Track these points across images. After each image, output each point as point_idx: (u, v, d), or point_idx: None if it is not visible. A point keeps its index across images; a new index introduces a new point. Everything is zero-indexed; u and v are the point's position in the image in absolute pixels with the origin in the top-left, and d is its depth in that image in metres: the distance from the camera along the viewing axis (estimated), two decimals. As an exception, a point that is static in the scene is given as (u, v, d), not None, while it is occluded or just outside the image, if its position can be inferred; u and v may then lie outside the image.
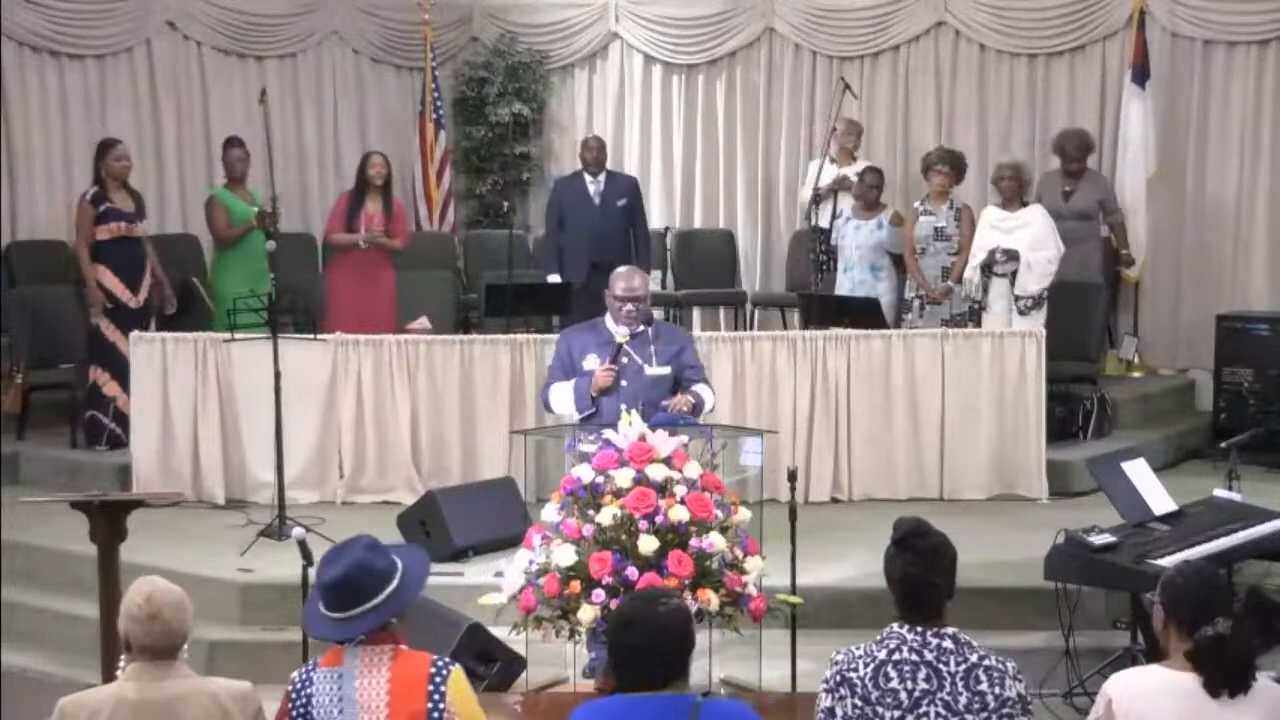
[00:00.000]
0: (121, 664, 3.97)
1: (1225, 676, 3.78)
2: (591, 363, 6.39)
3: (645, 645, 3.53)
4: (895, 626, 3.72)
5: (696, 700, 3.53)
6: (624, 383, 6.32)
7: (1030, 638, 6.27)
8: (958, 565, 3.83)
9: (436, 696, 3.75)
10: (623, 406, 5.94)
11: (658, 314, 9.75)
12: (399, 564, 3.91)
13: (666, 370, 6.39)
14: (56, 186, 10.04)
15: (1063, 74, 10.68)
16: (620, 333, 6.35)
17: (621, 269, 6.58)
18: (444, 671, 3.79)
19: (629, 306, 6.34)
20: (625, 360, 6.35)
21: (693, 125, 11.68)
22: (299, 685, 3.82)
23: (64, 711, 3.86)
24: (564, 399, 6.44)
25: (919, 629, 3.68)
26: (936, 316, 8.87)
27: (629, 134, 11.84)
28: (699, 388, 6.41)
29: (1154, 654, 5.76)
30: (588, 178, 9.91)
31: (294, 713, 3.80)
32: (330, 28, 11.45)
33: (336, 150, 11.49)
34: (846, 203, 9.75)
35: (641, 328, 6.42)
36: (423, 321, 9.51)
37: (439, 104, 11.45)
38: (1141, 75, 10.04)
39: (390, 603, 3.82)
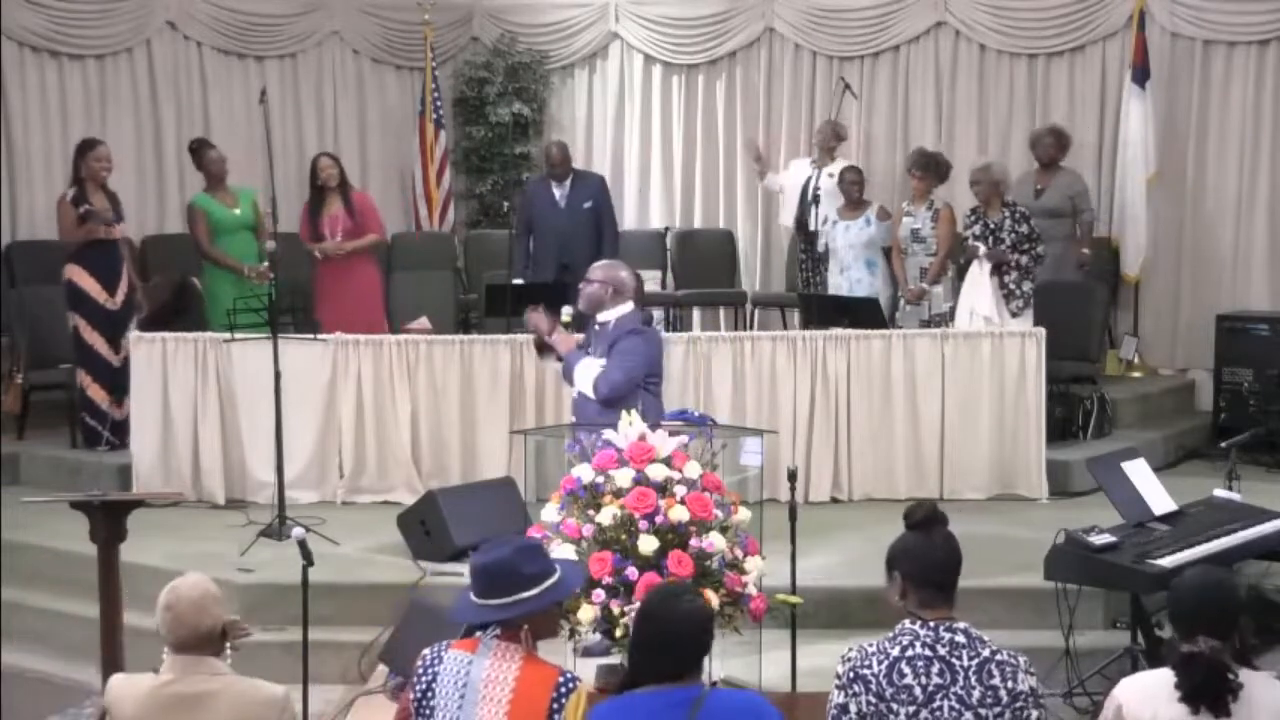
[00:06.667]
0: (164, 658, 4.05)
1: (1194, 692, 3.74)
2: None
3: (660, 640, 3.58)
4: (907, 623, 3.72)
5: (702, 690, 3.55)
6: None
7: (1030, 637, 6.23)
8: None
9: (556, 706, 3.72)
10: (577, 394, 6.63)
11: (657, 314, 9.77)
12: (556, 570, 3.95)
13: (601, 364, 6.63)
14: (56, 186, 9.98)
15: (1063, 74, 10.69)
16: (566, 311, 6.97)
17: (603, 260, 7.10)
18: (570, 685, 3.76)
19: (580, 286, 6.77)
20: (579, 337, 6.91)
21: (693, 125, 11.68)
22: (428, 661, 3.84)
23: (112, 686, 4.04)
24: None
25: (931, 624, 3.68)
26: (915, 317, 8.90)
27: (629, 134, 11.84)
28: (589, 363, 6.60)
29: (1153, 654, 5.79)
30: (553, 182, 9.91)
31: (419, 685, 3.82)
32: (330, 28, 11.45)
33: (336, 150, 11.43)
34: (831, 204, 9.70)
35: (604, 321, 6.65)
36: (423, 321, 9.49)
37: (439, 104, 11.45)
38: (1141, 75, 10.04)
39: (527, 603, 3.83)
